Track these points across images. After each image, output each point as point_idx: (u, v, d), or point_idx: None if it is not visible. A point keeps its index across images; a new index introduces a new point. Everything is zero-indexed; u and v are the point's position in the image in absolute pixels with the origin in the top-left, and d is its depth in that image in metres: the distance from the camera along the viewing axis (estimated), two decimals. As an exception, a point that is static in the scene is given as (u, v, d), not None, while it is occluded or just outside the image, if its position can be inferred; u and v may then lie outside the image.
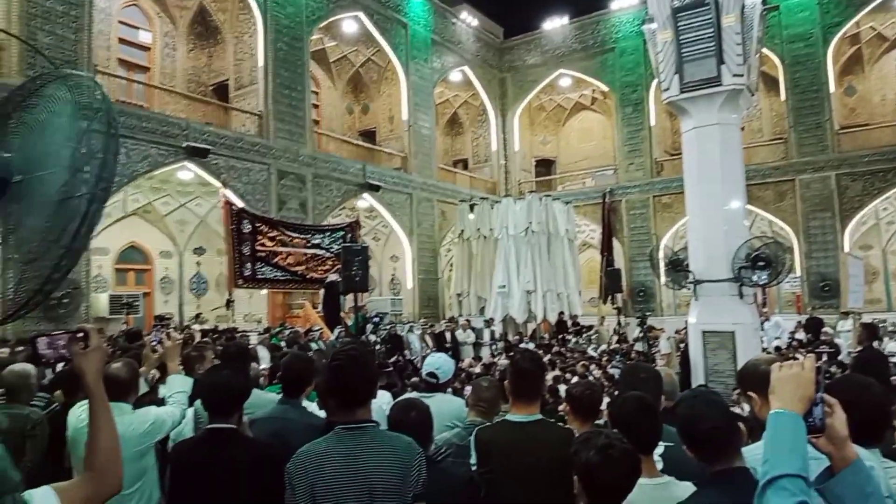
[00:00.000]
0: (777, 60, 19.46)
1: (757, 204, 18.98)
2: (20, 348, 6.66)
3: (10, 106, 1.95)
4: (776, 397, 1.39)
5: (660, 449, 2.31)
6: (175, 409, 2.86)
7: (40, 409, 3.77)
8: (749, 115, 21.39)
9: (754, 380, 2.18)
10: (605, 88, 23.39)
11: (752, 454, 1.97)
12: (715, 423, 1.84)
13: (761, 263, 7.23)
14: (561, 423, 2.67)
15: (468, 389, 3.80)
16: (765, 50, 16.98)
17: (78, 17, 12.03)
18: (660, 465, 2.25)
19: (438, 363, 3.58)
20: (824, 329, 10.05)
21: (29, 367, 3.85)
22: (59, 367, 3.81)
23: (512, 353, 2.91)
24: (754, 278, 7.21)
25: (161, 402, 3.09)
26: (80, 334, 1.67)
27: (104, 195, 1.61)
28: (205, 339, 8.47)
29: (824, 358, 7.82)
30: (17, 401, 3.58)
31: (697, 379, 7.56)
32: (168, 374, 3.13)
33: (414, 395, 3.55)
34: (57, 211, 1.74)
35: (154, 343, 3.38)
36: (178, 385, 2.93)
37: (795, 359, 1.52)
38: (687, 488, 2.04)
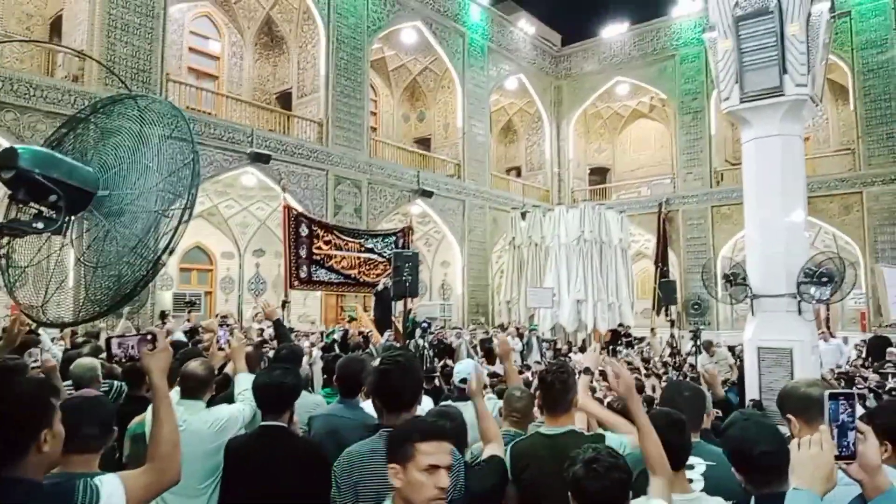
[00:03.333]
0: (846, 68, 18.65)
1: (821, 217, 18.22)
2: (83, 340, 7.11)
3: (86, 114, 2.16)
4: (796, 476, 1.37)
5: (701, 468, 2.31)
6: (245, 406, 2.96)
7: (105, 396, 4.03)
8: (814, 125, 20.58)
9: (793, 403, 2.15)
10: (663, 96, 22.98)
11: None
12: (767, 447, 1.83)
13: (825, 279, 7.00)
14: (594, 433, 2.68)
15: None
16: (833, 57, 16.34)
17: (153, 28, 12.75)
18: (701, 485, 2.23)
19: (468, 370, 3.51)
20: (890, 349, 9.56)
21: (95, 361, 4.14)
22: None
23: (542, 368, 2.91)
24: (815, 294, 6.99)
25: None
26: (149, 336, 1.84)
27: (190, 213, 1.78)
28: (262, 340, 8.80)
29: (890, 380, 7.48)
30: None
31: (752, 396, 7.38)
32: (235, 372, 3.26)
33: (449, 403, 3.55)
34: (137, 222, 1.92)
35: (221, 341, 3.55)
36: (245, 383, 3.03)
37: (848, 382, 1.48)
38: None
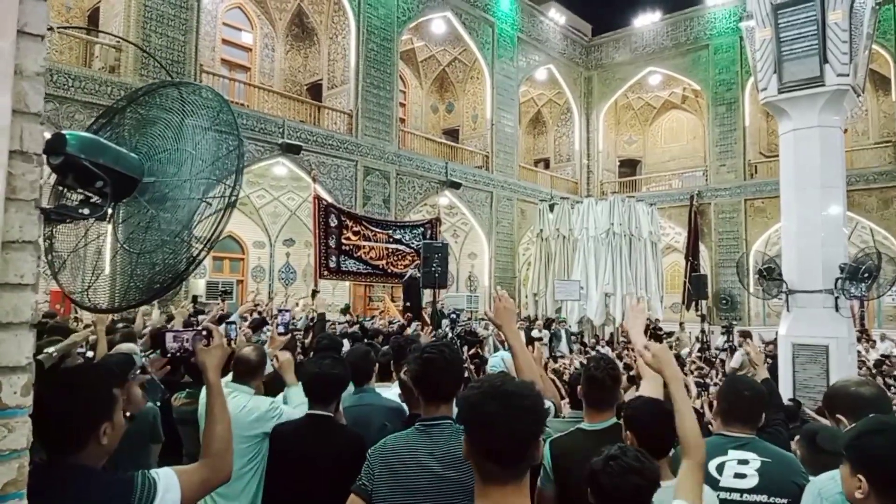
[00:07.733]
0: (889, 57, 18.05)
1: (858, 211, 17.73)
2: (120, 325, 7.23)
3: (129, 101, 2.18)
4: None
5: (756, 464, 2.27)
6: (296, 411, 2.93)
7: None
8: (854, 117, 19.98)
9: (842, 402, 2.09)
10: (696, 87, 22.53)
11: (824, 484, 1.92)
12: None
13: (865, 275, 6.81)
14: None
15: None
16: (875, 46, 15.82)
17: (187, 19, 12.94)
18: (755, 481, 2.22)
19: (506, 362, 3.43)
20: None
21: (134, 347, 4.20)
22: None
23: (586, 360, 2.86)
24: (853, 290, 6.82)
25: None
26: (205, 332, 1.83)
27: (236, 201, 1.79)
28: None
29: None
30: None
31: (785, 394, 7.25)
32: (287, 385, 3.23)
33: None
34: (182, 209, 1.94)
35: (280, 328, 3.60)
36: (298, 398, 3.03)
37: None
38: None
